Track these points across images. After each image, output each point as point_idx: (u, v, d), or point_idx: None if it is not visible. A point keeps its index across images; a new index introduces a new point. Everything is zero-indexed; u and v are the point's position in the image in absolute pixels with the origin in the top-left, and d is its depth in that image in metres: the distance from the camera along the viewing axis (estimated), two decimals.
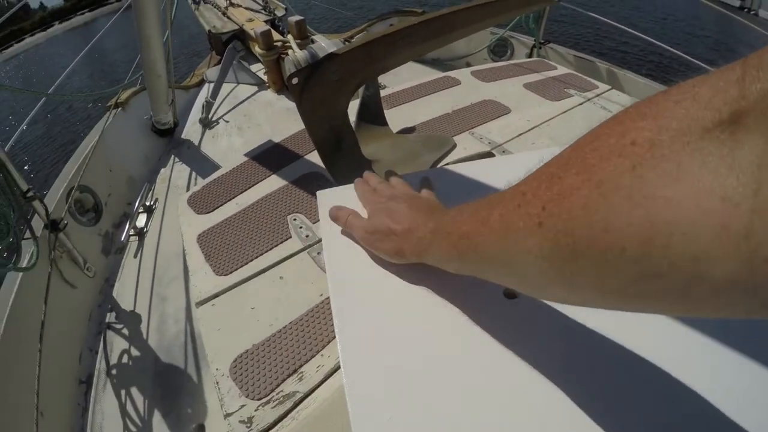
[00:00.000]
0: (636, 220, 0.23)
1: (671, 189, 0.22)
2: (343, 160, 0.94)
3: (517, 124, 1.27)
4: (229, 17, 2.88)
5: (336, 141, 0.91)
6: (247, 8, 2.93)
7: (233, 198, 1.06)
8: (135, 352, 1.28)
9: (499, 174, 0.77)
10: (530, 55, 2.57)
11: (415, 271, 0.60)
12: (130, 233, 1.70)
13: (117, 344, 1.31)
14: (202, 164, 2.07)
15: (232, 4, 2.93)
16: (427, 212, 0.57)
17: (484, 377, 0.50)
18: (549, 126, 1.27)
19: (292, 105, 1.95)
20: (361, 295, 0.60)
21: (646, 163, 0.23)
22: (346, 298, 0.60)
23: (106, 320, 1.38)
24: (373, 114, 1.14)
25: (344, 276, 0.62)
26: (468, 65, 1.69)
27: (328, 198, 0.76)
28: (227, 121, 2.37)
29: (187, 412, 1.13)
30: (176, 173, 2.06)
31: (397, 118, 1.28)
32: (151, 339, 1.30)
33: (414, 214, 0.57)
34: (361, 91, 1.12)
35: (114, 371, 1.24)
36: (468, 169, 0.81)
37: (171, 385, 1.19)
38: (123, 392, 1.20)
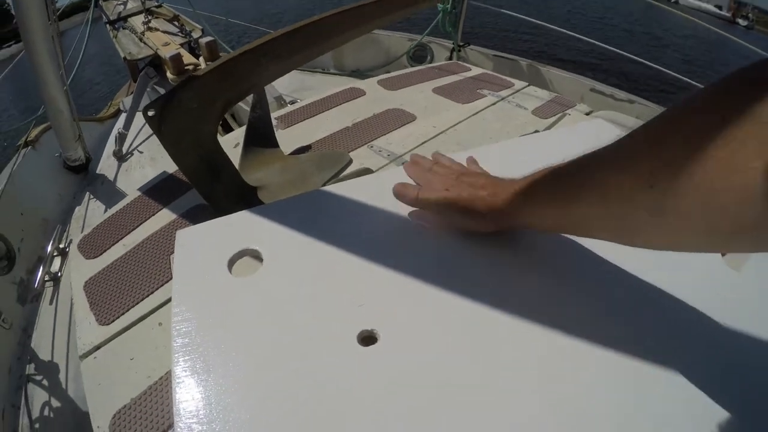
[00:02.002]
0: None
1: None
2: (223, 190, 0.86)
3: (420, 131, 1.21)
4: (145, 42, 2.78)
5: (210, 171, 0.84)
6: (164, 32, 2.82)
7: (121, 239, 0.99)
8: (56, 404, 1.21)
9: (373, 192, 0.73)
10: (450, 59, 2.55)
11: (268, 325, 0.55)
12: (45, 279, 1.60)
13: (38, 397, 1.23)
14: (116, 200, 1.96)
15: (149, 29, 2.83)
16: (503, 180, 0.59)
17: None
18: (456, 130, 1.22)
19: None
20: (209, 358, 0.52)
21: None
22: (192, 362, 0.52)
23: (26, 372, 1.30)
24: (262, 136, 1.07)
25: (193, 343, 0.54)
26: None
27: (189, 238, 0.68)
28: (141, 152, 2.27)
29: None
30: (91, 211, 1.95)
31: (295, 136, 1.21)
32: (70, 389, 1.23)
33: (493, 181, 0.60)
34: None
35: (37, 425, 1.17)
36: (344, 189, 0.75)
37: None
38: None
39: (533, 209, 0.52)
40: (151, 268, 0.89)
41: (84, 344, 0.77)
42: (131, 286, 0.86)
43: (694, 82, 2.31)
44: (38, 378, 1.28)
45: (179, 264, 0.64)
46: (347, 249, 0.63)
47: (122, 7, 3.28)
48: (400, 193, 0.65)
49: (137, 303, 0.82)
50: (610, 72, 6.60)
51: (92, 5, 2.92)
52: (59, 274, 1.60)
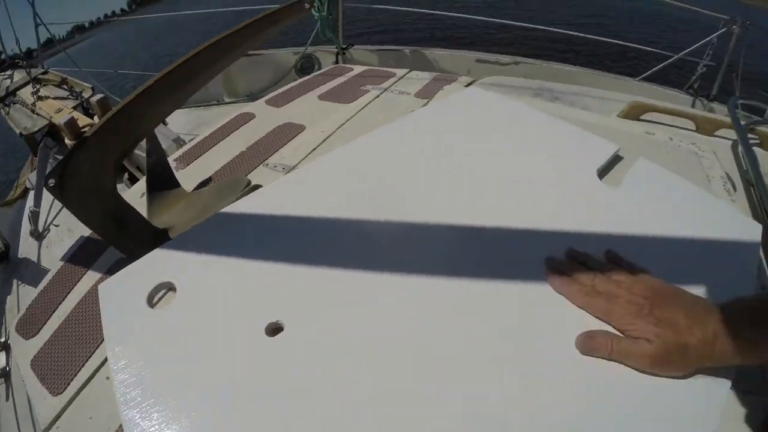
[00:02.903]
0: None
1: None
2: (134, 239, 0.91)
3: (310, 140, 1.29)
4: (38, 113, 2.72)
5: (118, 224, 0.89)
6: (55, 98, 2.78)
7: (54, 311, 1.02)
8: None
9: (264, 202, 0.81)
10: (336, 63, 2.63)
11: (189, 342, 0.61)
12: None
13: None
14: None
15: (39, 98, 2.78)
16: (703, 308, 0.53)
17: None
18: (343, 130, 1.30)
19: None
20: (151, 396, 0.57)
21: None
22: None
23: None
24: (163, 179, 1.12)
25: (131, 378, 0.59)
26: None
27: (110, 289, 0.74)
28: (57, 226, 2.23)
29: None
30: (22, 297, 1.91)
31: (195, 173, 1.26)
32: None
33: (694, 316, 0.52)
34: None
35: None
36: (238, 207, 0.82)
37: None
38: None
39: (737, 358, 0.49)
40: (88, 330, 0.92)
41: (44, 419, 0.80)
42: (73, 351, 0.89)
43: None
44: None
45: (105, 314, 0.69)
46: (248, 257, 0.71)
47: (9, 81, 3.20)
48: (589, 347, 0.56)
49: (83, 365, 0.86)
50: (503, 42, 6.78)
51: None
52: (8, 369, 1.57)
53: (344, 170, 0.87)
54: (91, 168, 0.82)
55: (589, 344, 0.56)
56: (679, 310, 0.52)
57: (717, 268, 0.64)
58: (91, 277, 1.05)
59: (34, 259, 2.10)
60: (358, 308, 0.62)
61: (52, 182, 0.78)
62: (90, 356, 0.87)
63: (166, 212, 1.05)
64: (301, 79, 1.75)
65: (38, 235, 2.20)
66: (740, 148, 1.12)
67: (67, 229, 2.18)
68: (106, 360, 0.85)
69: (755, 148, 1.13)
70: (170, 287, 0.70)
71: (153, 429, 0.52)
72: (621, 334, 0.55)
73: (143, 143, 1.06)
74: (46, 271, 1.97)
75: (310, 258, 0.69)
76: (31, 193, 2.44)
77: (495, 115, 0.97)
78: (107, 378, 0.82)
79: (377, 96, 1.45)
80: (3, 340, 1.65)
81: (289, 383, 0.55)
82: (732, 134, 1.18)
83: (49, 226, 2.26)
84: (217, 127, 1.48)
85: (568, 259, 0.65)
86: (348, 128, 1.31)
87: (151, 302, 0.68)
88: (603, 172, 0.82)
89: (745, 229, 0.70)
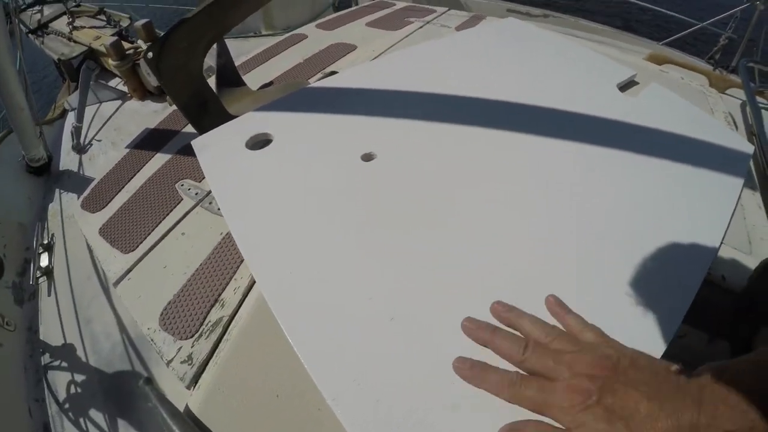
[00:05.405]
0: None
1: None
2: (211, 120, 1.01)
3: (364, 56, 1.38)
4: (75, 41, 2.80)
5: (200, 103, 0.99)
6: (91, 28, 2.86)
7: (122, 188, 1.12)
8: (80, 377, 1.25)
9: (346, 81, 0.88)
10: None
11: (294, 176, 0.68)
12: (38, 275, 1.66)
13: (60, 382, 1.28)
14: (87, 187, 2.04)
15: (75, 28, 2.85)
16: (674, 385, 0.39)
17: (362, 235, 0.59)
18: (393, 50, 1.39)
19: (159, 107, 2.01)
20: (253, 212, 0.64)
21: None
22: (242, 220, 0.63)
23: (42, 363, 1.34)
24: (231, 79, 1.21)
25: (236, 202, 0.66)
26: None
27: (205, 142, 0.78)
28: (99, 140, 2.32)
29: (147, 407, 1.14)
30: (65, 204, 2.01)
31: (254, 79, 1.36)
32: (91, 361, 1.27)
33: (660, 398, 0.38)
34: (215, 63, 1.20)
35: (67, 405, 1.22)
36: (323, 83, 0.90)
37: (124, 393, 1.18)
38: (83, 422, 1.18)
39: None
40: (159, 200, 1.02)
41: (114, 273, 0.88)
42: (145, 216, 0.99)
43: None
44: (56, 363, 1.32)
45: (204, 159, 0.74)
46: (338, 113, 0.79)
47: (39, 15, 3.26)
48: (474, 377, 0.44)
49: (156, 225, 0.96)
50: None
51: (6, 20, 2.91)
52: (51, 267, 1.67)
53: (410, 64, 0.94)
54: (186, 46, 0.91)
55: (478, 374, 0.44)
56: (639, 393, 0.39)
57: (709, 177, 0.69)
58: (159, 159, 1.15)
59: (76, 169, 2.19)
60: (435, 144, 0.72)
61: (150, 54, 0.87)
62: (164, 218, 0.97)
63: (236, 104, 1.15)
64: (348, 10, 1.83)
65: (81, 149, 2.30)
66: (748, 107, 1.21)
67: (111, 143, 2.27)
68: (181, 219, 0.95)
69: (763, 111, 1.22)
70: (267, 138, 0.76)
71: (259, 236, 0.59)
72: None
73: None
74: (90, 179, 2.09)
75: (394, 111, 0.78)
76: (72, 113, 2.54)
77: (530, 38, 1.04)
78: (183, 234, 0.92)
79: (421, 27, 1.54)
80: (46, 241, 1.76)
81: (382, 201, 0.63)
82: (742, 95, 1.27)
83: (91, 140, 2.35)
84: (272, 44, 1.57)
85: (490, 330, 0.47)
86: (396, 49, 1.40)
87: (249, 147, 0.74)
88: (621, 89, 0.89)
89: (738, 145, 0.76)
